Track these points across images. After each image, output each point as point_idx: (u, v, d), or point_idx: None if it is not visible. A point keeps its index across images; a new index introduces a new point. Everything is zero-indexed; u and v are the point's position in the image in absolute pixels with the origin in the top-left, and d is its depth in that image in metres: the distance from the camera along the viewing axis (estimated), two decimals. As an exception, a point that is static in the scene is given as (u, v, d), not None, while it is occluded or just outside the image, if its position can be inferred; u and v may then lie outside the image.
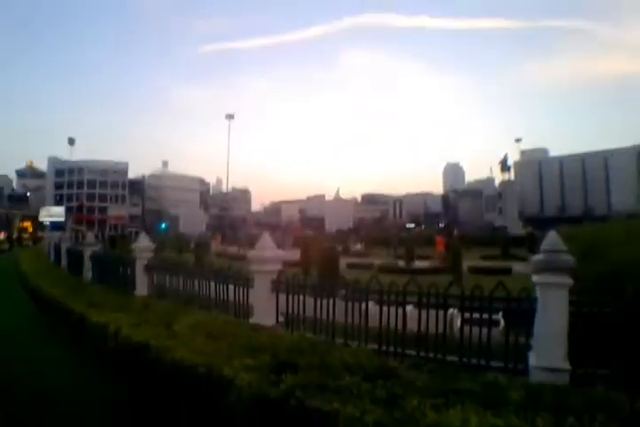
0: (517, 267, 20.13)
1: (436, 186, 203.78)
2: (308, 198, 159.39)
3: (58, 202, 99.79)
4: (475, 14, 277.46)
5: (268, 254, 6.69)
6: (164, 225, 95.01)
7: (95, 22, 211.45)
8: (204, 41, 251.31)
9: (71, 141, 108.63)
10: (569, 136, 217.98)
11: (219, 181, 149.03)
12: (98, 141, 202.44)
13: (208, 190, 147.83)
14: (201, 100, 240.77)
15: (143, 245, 10.62)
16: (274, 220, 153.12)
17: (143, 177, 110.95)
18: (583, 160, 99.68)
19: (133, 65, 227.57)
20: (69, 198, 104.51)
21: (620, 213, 54.01)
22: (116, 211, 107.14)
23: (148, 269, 10.08)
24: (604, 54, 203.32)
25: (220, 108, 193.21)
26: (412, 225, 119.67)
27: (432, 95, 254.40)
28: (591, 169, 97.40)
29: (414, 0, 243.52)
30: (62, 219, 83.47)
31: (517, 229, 57.54)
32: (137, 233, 50.96)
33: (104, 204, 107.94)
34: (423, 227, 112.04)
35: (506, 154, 75.91)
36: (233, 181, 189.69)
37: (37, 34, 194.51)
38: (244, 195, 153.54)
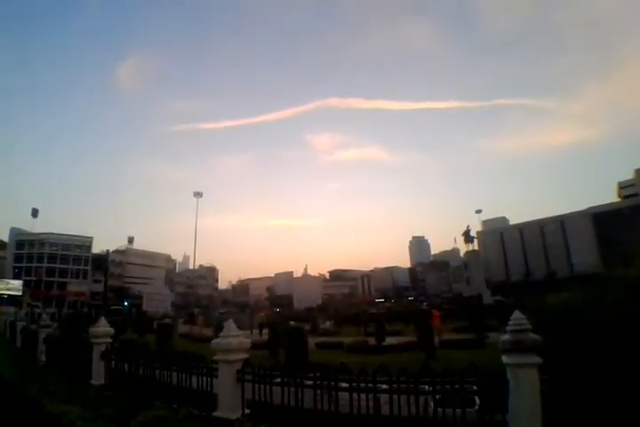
0: (489, 338, 19.96)
1: (403, 259, 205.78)
2: (276, 276, 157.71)
3: (17, 275, 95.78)
4: (430, 97, 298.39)
5: (233, 343, 6.42)
6: (126, 303, 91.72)
7: (63, 94, 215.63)
8: (175, 120, 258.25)
9: (35, 213, 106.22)
10: (526, 204, 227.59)
11: (186, 259, 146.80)
12: (62, 214, 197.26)
13: (174, 268, 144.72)
14: (170, 177, 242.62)
15: (101, 330, 10.08)
16: (241, 298, 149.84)
17: (107, 252, 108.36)
18: (541, 226, 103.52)
19: (102, 139, 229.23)
20: (28, 272, 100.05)
21: (583, 273, 56.01)
22: (76, 287, 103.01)
23: (105, 356, 9.50)
24: (551, 127, 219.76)
25: (188, 185, 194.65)
26: (382, 300, 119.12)
27: (394, 172, 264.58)
28: (550, 234, 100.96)
29: (375, 86, 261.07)
30: (20, 293, 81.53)
31: (486, 297, 57.83)
32: (98, 312, 48.71)
33: (64, 279, 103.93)
34: (392, 301, 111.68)
35: (468, 225, 78.21)
36: (200, 259, 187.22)
37: (6, 106, 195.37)
38: (210, 272, 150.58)
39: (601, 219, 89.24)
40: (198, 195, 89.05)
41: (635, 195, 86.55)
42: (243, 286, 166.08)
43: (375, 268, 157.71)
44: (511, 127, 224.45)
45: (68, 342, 12.08)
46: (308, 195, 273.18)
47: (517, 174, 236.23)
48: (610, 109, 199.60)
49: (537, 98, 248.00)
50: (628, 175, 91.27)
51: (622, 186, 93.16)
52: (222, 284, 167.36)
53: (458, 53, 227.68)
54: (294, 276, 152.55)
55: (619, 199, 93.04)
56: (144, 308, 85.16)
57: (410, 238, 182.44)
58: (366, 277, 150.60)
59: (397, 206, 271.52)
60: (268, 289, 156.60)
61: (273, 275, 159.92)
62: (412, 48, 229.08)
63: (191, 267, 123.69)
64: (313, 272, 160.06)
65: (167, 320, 40.84)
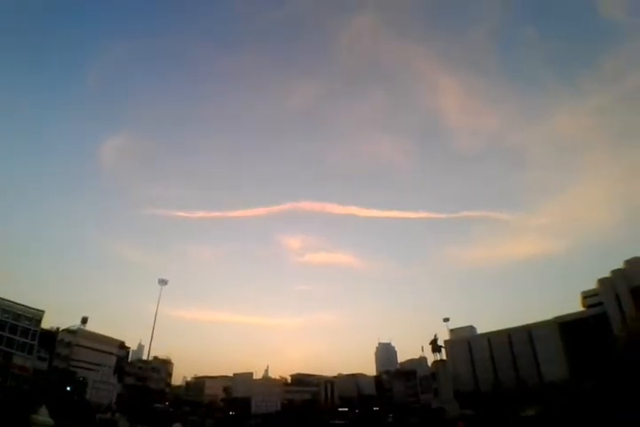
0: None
1: (368, 365, 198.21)
2: (235, 376, 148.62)
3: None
4: (399, 206, 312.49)
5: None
6: (68, 388, 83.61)
7: (39, 159, 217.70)
8: (150, 204, 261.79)
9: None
10: (493, 313, 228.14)
11: (140, 348, 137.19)
12: (19, 282, 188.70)
13: (127, 356, 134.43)
14: (136, 260, 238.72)
15: (41, 419, 9.20)
16: (195, 397, 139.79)
17: (57, 330, 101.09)
18: (509, 335, 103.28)
19: (73, 211, 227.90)
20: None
21: (552, 382, 54.23)
22: (21, 361, 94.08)
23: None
24: (515, 238, 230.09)
25: (153, 270, 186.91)
26: (346, 409, 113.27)
27: (362, 277, 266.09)
28: (518, 343, 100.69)
29: (347, 193, 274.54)
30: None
31: (455, 410, 55.04)
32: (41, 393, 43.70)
33: (11, 349, 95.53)
34: (357, 411, 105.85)
35: (436, 334, 76.53)
36: (155, 349, 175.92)
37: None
38: (165, 366, 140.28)
39: (567, 328, 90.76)
40: (163, 282, 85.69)
41: (599, 304, 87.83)
42: (198, 384, 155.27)
43: (339, 374, 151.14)
44: (477, 238, 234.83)
45: (11, 421, 11.64)
46: (274, 294, 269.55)
47: (484, 283, 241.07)
48: (571, 221, 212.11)
49: (501, 210, 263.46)
50: (592, 284, 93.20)
51: (586, 295, 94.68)
52: (176, 379, 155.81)
53: (428, 167, 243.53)
54: (254, 377, 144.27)
55: (583, 308, 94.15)
56: (88, 396, 77.90)
57: (376, 344, 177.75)
58: (329, 383, 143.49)
59: (365, 311, 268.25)
60: (225, 390, 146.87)
61: (231, 374, 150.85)
62: (384, 160, 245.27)
63: (145, 357, 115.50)
64: (274, 374, 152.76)
65: (109, 415, 37.42)
